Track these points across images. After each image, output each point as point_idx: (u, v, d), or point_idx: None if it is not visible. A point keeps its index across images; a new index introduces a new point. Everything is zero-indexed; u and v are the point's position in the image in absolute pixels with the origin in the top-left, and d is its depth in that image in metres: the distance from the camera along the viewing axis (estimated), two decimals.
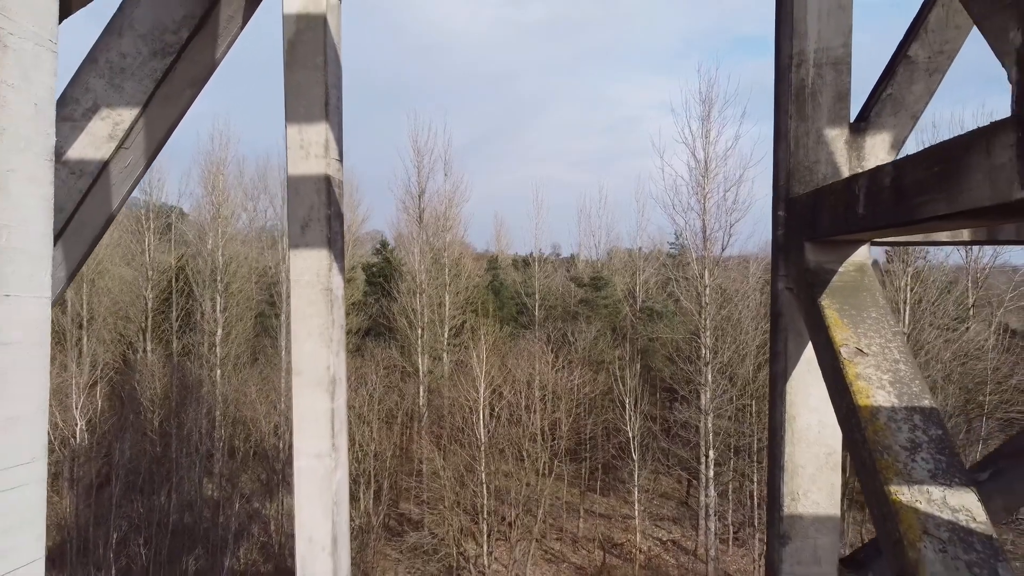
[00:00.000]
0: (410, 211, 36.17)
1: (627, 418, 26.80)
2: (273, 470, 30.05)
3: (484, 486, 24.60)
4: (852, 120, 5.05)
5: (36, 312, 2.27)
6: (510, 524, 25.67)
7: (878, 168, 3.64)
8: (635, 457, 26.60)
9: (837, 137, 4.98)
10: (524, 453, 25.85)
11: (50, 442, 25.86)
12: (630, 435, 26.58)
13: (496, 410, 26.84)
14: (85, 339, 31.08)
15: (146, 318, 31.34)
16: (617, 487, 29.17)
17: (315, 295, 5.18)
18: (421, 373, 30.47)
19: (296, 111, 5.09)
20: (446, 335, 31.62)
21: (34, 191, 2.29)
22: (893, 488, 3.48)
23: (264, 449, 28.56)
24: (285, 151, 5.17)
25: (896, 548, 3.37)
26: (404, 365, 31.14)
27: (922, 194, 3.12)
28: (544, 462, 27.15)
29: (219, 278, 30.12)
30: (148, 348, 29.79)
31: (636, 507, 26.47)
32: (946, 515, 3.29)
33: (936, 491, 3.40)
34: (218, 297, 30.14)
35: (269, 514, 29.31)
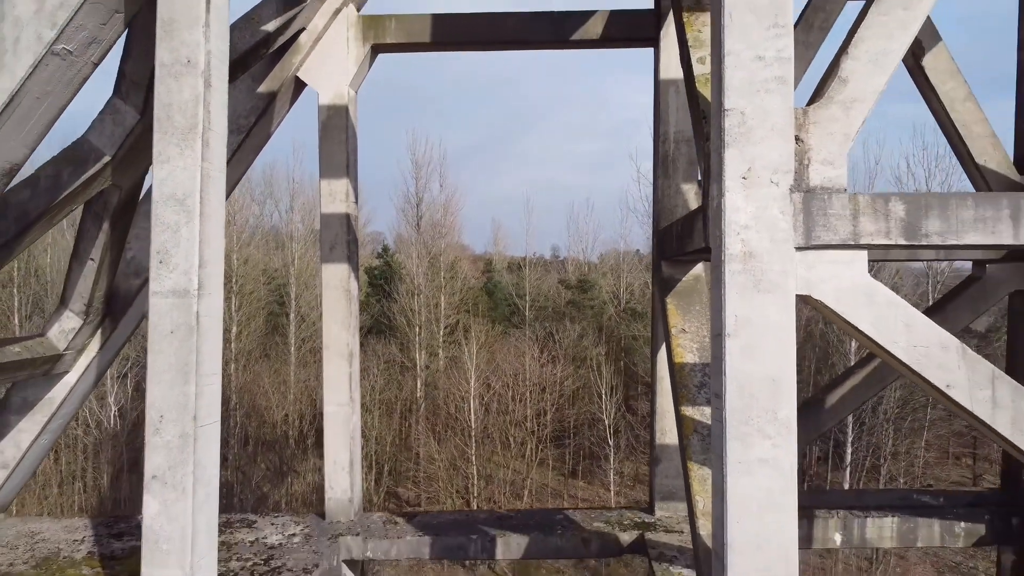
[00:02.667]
0: (409, 218, 38.54)
1: (604, 407, 29.10)
2: (281, 458, 32.27)
3: (474, 467, 26.85)
4: (699, 177, 7.32)
5: (219, 304, 4.52)
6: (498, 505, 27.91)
7: (675, 221, 5.98)
8: (611, 443, 28.91)
9: (689, 189, 7.27)
10: (511, 439, 28.12)
11: (87, 425, 28.09)
12: (607, 423, 28.88)
13: (485, 399, 29.10)
14: None
15: None
16: (597, 473, 31.41)
17: (339, 295, 7.46)
18: (418, 367, 32.72)
19: (327, 170, 7.38)
20: (441, 333, 33.92)
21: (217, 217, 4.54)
22: (684, 407, 5.78)
23: (275, 437, 30.79)
24: (319, 196, 7.45)
25: (681, 439, 5.69)
26: (403, 360, 33.38)
27: (682, 239, 5.46)
28: (530, 448, 29.41)
29: (234, 279, 32.37)
30: None
31: (612, 488, 28.78)
32: (705, 421, 5.58)
33: (705, 410, 5.69)
34: (233, 298, 32.35)
35: (278, 498, 31.51)
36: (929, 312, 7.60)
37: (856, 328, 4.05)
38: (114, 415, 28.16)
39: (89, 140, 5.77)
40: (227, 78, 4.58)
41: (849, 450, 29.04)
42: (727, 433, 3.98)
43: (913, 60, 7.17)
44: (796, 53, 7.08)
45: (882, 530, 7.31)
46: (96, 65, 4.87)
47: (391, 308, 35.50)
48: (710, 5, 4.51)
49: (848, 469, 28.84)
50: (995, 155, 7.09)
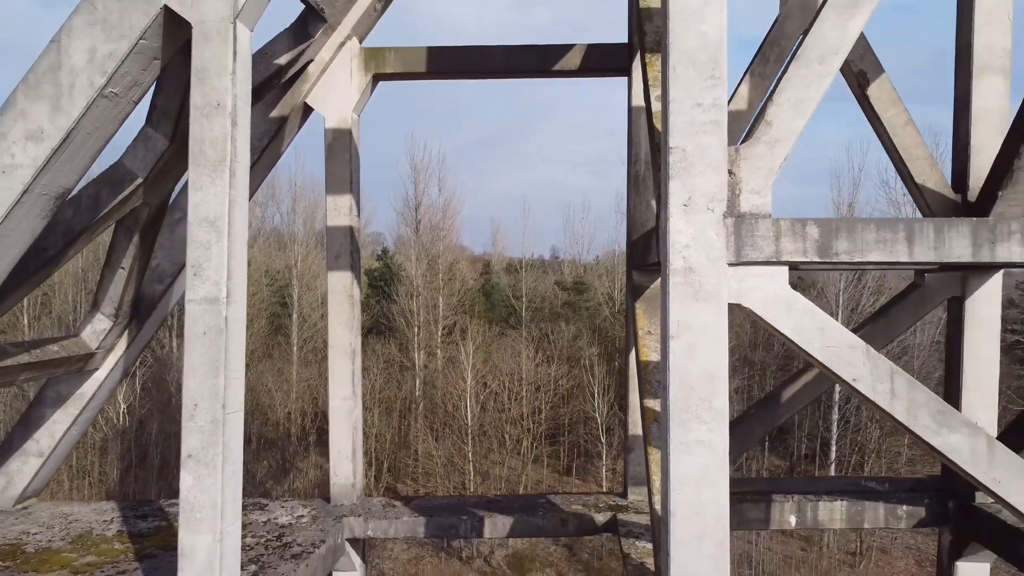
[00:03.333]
0: (408, 222, 39.33)
1: (596, 406, 29.88)
2: (284, 455, 33.02)
3: (471, 464, 27.61)
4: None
5: (243, 309, 5.26)
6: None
7: (642, 235, 6.74)
8: (603, 441, 29.69)
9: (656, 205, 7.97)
10: (506, 436, 28.88)
11: (97, 422, 28.81)
12: (599, 421, 29.66)
13: (482, 398, 29.87)
14: None
15: (173, 317, 34.41)
16: (590, 469, 32.18)
17: (343, 299, 8.21)
18: (417, 367, 33.50)
19: (333, 187, 8.12)
20: (440, 333, 34.70)
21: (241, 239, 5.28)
22: (646, 400, 6.54)
23: (277, 435, 31.56)
24: (326, 210, 8.20)
25: (644, 428, 6.45)
26: (402, 360, 34.16)
27: (646, 251, 6.22)
28: (526, 445, 30.17)
29: None
30: (174, 345, 32.81)
31: (604, 484, 29.55)
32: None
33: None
34: None
35: (281, 493, 32.24)
36: (876, 316, 8.36)
37: (779, 331, 4.80)
38: (123, 412, 28.91)
39: (124, 164, 6.52)
40: (249, 115, 5.33)
41: (834, 447, 29.82)
42: (671, 419, 4.73)
43: (859, 89, 7.92)
44: (752, 83, 7.85)
45: (832, 513, 8.07)
46: (136, 103, 5.62)
47: (391, 309, 36.28)
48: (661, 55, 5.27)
49: (833, 465, 29.62)
50: (932, 175, 7.85)
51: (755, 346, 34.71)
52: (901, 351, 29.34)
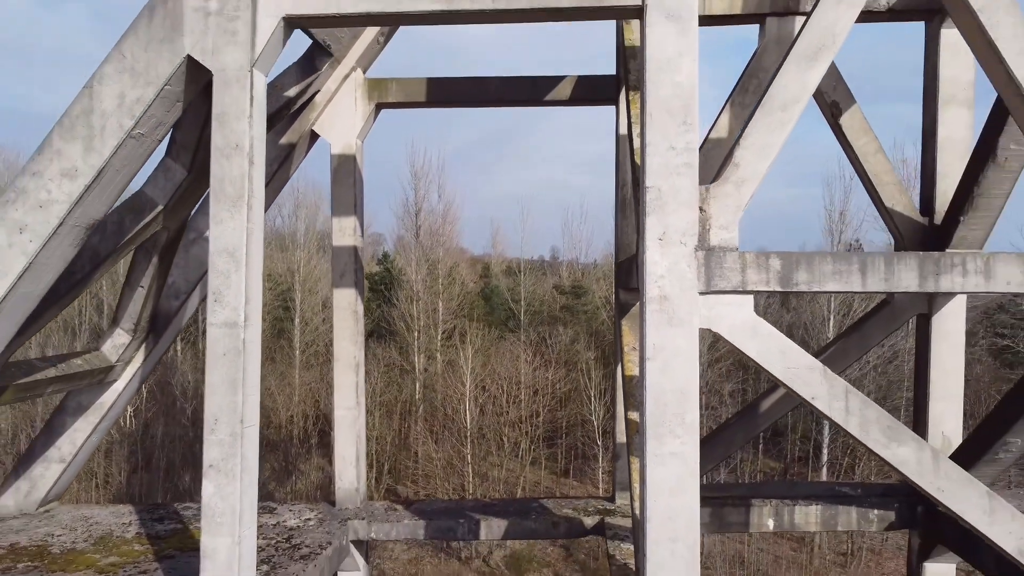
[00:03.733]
0: (408, 227, 39.85)
1: (593, 409, 30.37)
2: (287, 457, 33.48)
3: (470, 466, 28.08)
4: None
5: (259, 332, 5.74)
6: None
7: (629, 257, 7.22)
8: (600, 443, 30.17)
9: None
10: (505, 439, 29.36)
11: None
12: (595, 424, 30.15)
13: (481, 401, 30.34)
14: None
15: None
16: (587, 471, 32.65)
17: (348, 315, 8.69)
18: (417, 370, 33.99)
19: (338, 209, 8.60)
20: (439, 337, 35.19)
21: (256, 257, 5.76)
22: (630, 413, 7.01)
23: (280, 437, 32.02)
24: (332, 231, 8.67)
25: (628, 438, 6.92)
26: (402, 363, 34.64)
27: (629, 275, 6.70)
28: (524, 448, 30.64)
29: None
30: (179, 348, 33.29)
31: (600, 486, 30.02)
32: None
33: None
34: None
35: (283, 495, 32.70)
36: (850, 330, 8.84)
37: (745, 354, 5.29)
38: (129, 415, 29.39)
39: (146, 192, 7.01)
40: (264, 154, 5.81)
41: (826, 450, 30.29)
42: (647, 433, 5.21)
43: (833, 119, 8.41)
44: (732, 113, 8.34)
45: (808, 516, 8.54)
46: (160, 141, 6.10)
47: (391, 313, 36.75)
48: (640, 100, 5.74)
49: (825, 468, 30.09)
50: (901, 199, 8.33)
51: None
52: (892, 355, 29.83)
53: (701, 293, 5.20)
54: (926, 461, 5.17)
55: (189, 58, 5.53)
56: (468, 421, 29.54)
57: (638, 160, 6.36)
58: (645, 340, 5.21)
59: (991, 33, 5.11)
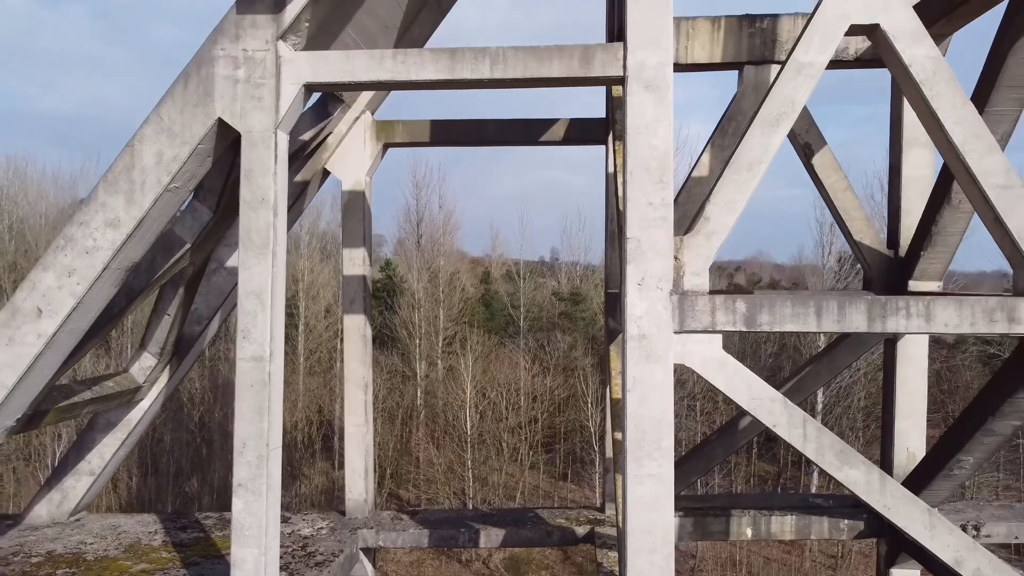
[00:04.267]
0: (409, 234, 40.53)
1: (590, 415, 31.01)
2: (291, 463, 34.11)
3: (470, 471, 28.72)
4: None
5: (282, 364, 6.38)
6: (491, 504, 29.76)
7: (617, 287, 7.85)
8: (597, 448, 30.81)
9: None
10: (504, 444, 30.01)
11: None
12: (592, 430, 30.79)
13: (481, 408, 30.99)
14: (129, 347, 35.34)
15: None
16: (584, 476, 33.31)
17: (357, 339, 9.33)
18: (419, 377, 34.65)
19: (348, 241, 9.25)
20: (440, 344, 35.86)
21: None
22: (616, 433, 7.63)
23: (284, 443, 32.69)
24: (342, 261, 9.31)
25: (614, 456, 7.54)
26: (404, 370, 35.30)
27: (612, 314, 7.34)
28: (523, 453, 31.28)
29: None
30: None
31: (598, 489, 30.66)
32: None
33: None
34: None
35: (287, 500, 33.34)
36: (821, 355, 9.48)
37: (715, 386, 5.92)
38: None
39: (175, 232, 7.64)
40: (286, 204, 6.45)
41: None
42: (627, 456, 5.85)
43: (805, 159, 9.05)
44: (712, 153, 8.99)
45: (783, 525, 9.18)
46: (192, 191, 6.75)
47: (393, 320, 37.42)
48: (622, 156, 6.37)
49: (816, 472, 30.70)
50: (869, 233, 8.98)
51: (743, 355, 35.81)
52: (875, 371, 30.47)
53: (675, 332, 5.84)
54: (874, 482, 5.81)
55: (220, 120, 6.17)
56: (468, 427, 30.18)
57: (621, 207, 7.02)
58: (626, 373, 5.85)
59: (932, 104, 5.76)
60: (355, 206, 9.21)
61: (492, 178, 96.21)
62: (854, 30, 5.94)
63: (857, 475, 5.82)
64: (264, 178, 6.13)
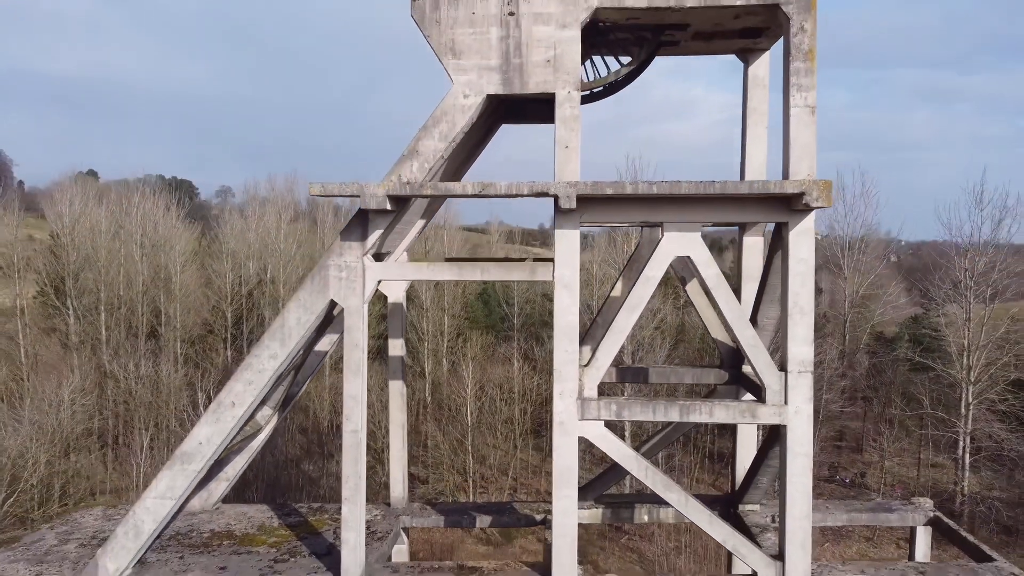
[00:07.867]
0: (418, 253, 45.31)
1: None
2: (324, 454, 39.21)
3: (470, 455, 33.85)
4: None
5: (364, 432, 11.19)
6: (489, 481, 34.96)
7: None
8: None
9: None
10: (498, 433, 35.13)
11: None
12: None
13: (480, 401, 36.03)
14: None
15: (225, 330, 40.58)
16: None
17: (397, 396, 14.16)
18: (426, 372, 39.67)
19: (392, 333, 14.03)
20: (445, 344, 40.82)
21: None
22: None
23: (317, 437, 37.87)
24: (388, 349, 14.12)
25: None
26: (413, 366, 40.35)
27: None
28: (515, 437, 36.39)
29: (280, 301, 39.22)
30: (229, 354, 38.83)
31: None
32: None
33: None
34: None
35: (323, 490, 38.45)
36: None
37: (602, 450, 10.74)
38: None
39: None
40: (367, 344, 11.22)
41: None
42: (555, 485, 10.65)
43: (683, 285, 13.78)
44: (623, 281, 13.71)
45: (668, 513, 14.07)
46: (310, 338, 11.53)
47: None
48: None
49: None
50: (725, 338, 13.75)
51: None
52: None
53: (580, 419, 10.63)
54: (682, 501, 10.67)
55: (331, 300, 10.91)
56: (468, 416, 35.31)
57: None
58: (553, 442, 10.66)
59: (716, 297, 10.50)
60: (396, 312, 13.95)
61: (496, 171, 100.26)
62: (675, 260, 10.66)
63: (674, 497, 10.69)
64: (357, 333, 10.90)
